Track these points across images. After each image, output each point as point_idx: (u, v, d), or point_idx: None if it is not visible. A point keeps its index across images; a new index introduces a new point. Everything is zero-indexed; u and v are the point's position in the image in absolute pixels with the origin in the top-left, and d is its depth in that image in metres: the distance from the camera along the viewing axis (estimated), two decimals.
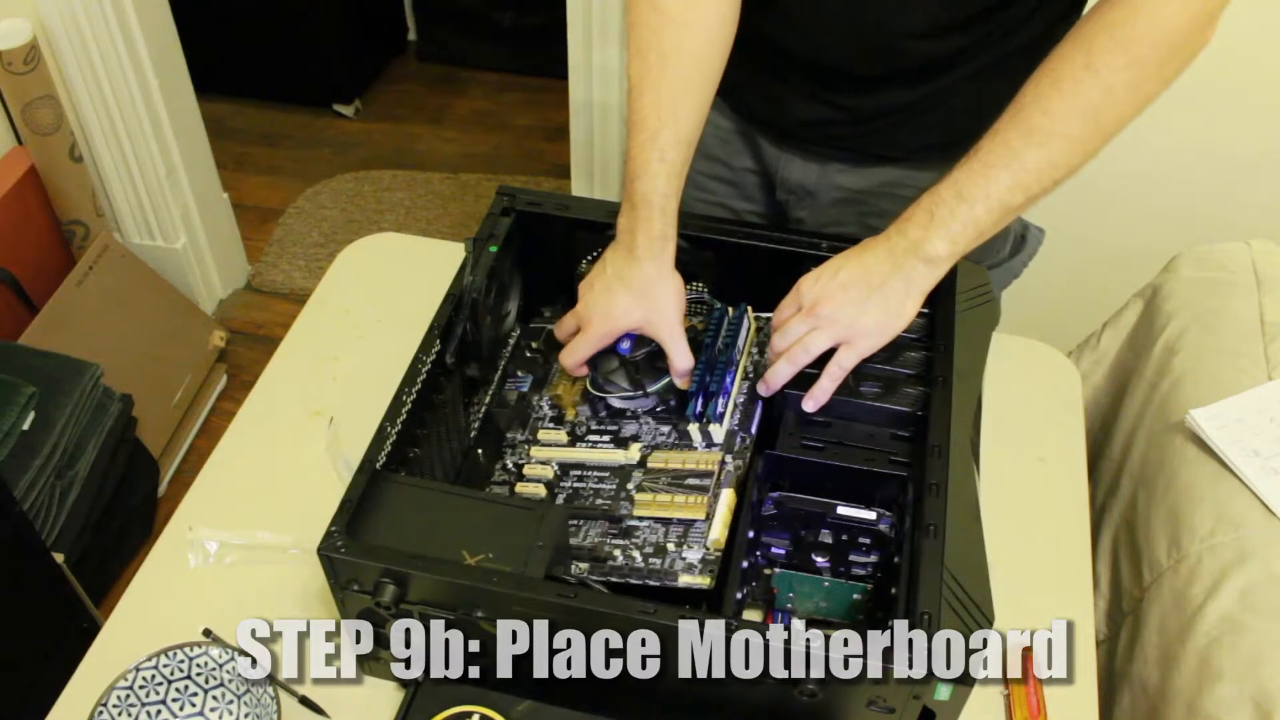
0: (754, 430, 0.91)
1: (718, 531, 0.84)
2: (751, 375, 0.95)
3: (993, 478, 0.92)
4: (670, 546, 0.85)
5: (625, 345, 0.94)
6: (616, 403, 0.96)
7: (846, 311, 0.87)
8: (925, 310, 0.93)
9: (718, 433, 0.91)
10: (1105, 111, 0.81)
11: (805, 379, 0.89)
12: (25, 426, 1.55)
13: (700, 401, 0.90)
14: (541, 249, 1.04)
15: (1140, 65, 0.79)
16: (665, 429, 0.94)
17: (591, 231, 1.01)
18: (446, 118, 2.90)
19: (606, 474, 0.92)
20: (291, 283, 2.39)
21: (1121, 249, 1.74)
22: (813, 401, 0.88)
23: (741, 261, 0.98)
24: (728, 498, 0.86)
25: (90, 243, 1.94)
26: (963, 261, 0.96)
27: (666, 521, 0.87)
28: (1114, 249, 1.76)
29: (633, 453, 0.93)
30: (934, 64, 0.95)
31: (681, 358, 0.92)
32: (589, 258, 1.03)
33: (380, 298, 1.19)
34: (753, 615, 0.90)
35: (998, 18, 0.91)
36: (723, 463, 0.89)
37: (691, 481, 0.88)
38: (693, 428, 0.91)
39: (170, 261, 2.17)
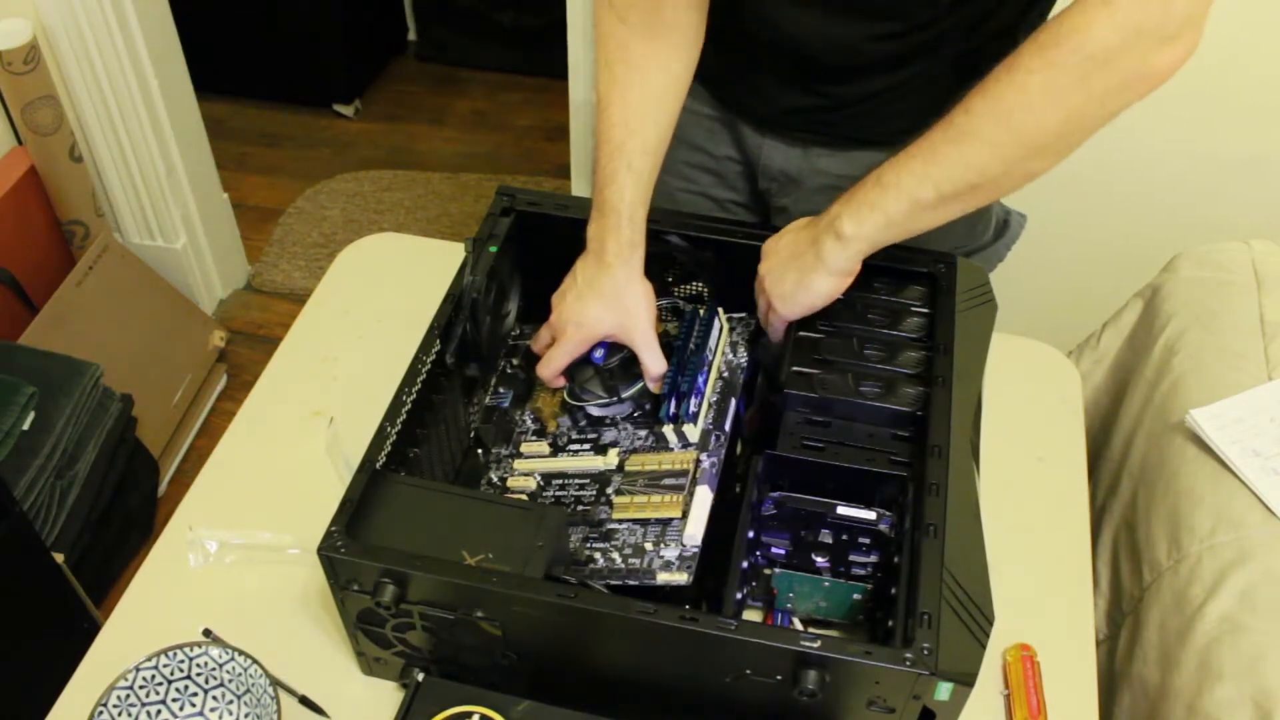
0: (728, 427, 0.92)
1: (694, 528, 0.84)
2: (725, 374, 0.96)
3: (993, 478, 0.92)
4: (648, 546, 0.86)
5: (599, 354, 0.96)
6: (594, 410, 0.97)
7: (773, 277, 0.92)
8: (925, 310, 0.94)
9: (692, 432, 0.91)
10: (1019, 114, 0.79)
11: (808, 380, 0.89)
12: (25, 426, 1.55)
13: (673, 403, 0.91)
14: (541, 249, 1.04)
15: (1055, 70, 0.77)
16: (642, 433, 0.95)
17: None
18: (446, 118, 2.90)
19: (586, 481, 0.93)
20: (291, 283, 2.39)
21: (1121, 249, 1.74)
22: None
23: (740, 261, 0.98)
24: (704, 495, 0.86)
25: (90, 243, 1.94)
26: (963, 261, 0.96)
27: (644, 522, 0.88)
28: (1114, 249, 1.76)
29: (611, 458, 0.93)
30: (912, 52, 0.95)
31: (654, 362, 0.94)
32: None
33: (380, 298, 1.19)
34: (753, 615, 0.90)
35: (966, 9, 0.91)
36: (698, 461, 0.90)
37: (668, 481, 0.89)
38: (667, 429, 0.92)
39: (170, 261, 2.17)
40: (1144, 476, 1.09)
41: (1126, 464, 1.14)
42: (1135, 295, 1.30)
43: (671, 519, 0.87)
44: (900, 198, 0.84)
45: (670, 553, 0.85)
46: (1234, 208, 1.67)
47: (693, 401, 0.91)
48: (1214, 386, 1.07)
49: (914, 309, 0.94)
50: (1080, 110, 0.78)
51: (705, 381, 0.94)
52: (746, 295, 0.98)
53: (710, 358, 0.95)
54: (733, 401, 0.94)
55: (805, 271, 0.89)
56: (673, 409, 0.91)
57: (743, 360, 0.97)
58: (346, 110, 2.87)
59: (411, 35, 3.10)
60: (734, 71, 1.04)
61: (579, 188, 2.04)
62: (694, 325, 0.97)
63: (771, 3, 0.95)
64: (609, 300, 0.93)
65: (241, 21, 2.69)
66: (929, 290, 0.95)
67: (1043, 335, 1.16)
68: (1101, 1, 0.75)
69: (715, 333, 0.97)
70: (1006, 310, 1.16)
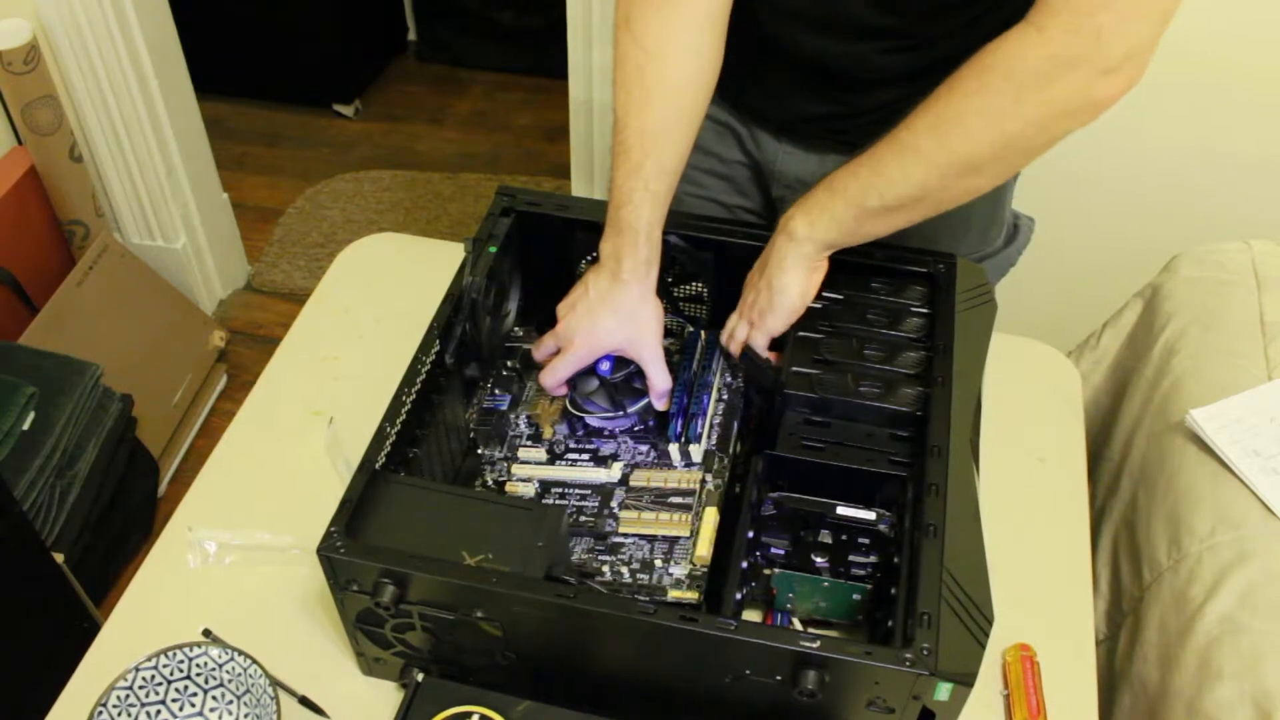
0: (731, 450, 0.94)
1: (703, 548, 0.86)
2: (725, 397, 0.98)
3: (993, 478, 0.92)
4: (657, 562, 0.88)
5: (605, 367, 0.97)
6: (595, 422, 0.98)
7: (749, 299, 0.95)
8: (925, 310, 0.94)
9: (696, 452, 0.93)
10: (955, 135, 0.80)
11: (808, 380, 0.89)
12: (25, 426, 1.55)
13: (680, 422, 0.94)
14: (541, 249, 1.04)
15: (990, 94, 0.78)
16: (644, 448, 0.97)
17: (591, 231, 1.01)
18: (446, 118, 2.90)
19: (588, 492, 0.94)
20: (291, 283, 2.39)
21: (1121, 249, 1.74)
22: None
23: (739, 262, 0.98)
24: (710, 516, 0.88)
25: (90, 243, 1.94)
26: (962, 261, 0.96)
27: (651, 538, 0.89)
28: (1114, 249, 1.76)
29: (614, 471, 0.94)
30: (928, 65, 0.96)
31: (661, 379, 0.95)
32: (589, 258, 1.03)
33: (380, 298, 1.19)
34: (753, 615, 0.90)
35: (980, 27, 0.91)
36: (703, 481, 0.92)
37: (674, 500, 0.91)
38: (673, 447, 0.94)
39: (170, 261, 2.17)
40: (1144, 476, 1.09)
41: (1126, 464, 1.14)
42: (1135, 295, 1.30)
43: (679, 537, 0.88)
44: (849, 203, 0.87)
45: (679, 570, 0.86)
46: (1234, 208, 1.67)
47: (698, 423, 0.94)
48: (1214, 386, 1.07)
49: (914, 309, 0.94)
50: (1017, 133, 0.80)
51: (709, 403, 0.96)
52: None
53: (712, 380, 0.98)
54: (734, 424, 0.96)
55: (774, 278, 0.92)
56: (679, 428, 0.93)
57: (740, 384, 0.99)
58: (346, 110, 2.87)
59: (411, 35, 3.10)
60: (750, 79, 1.04)
61: (579, 188, 2.04)
62: (697, 348, 0.99)
63: (788, 23, 0.96)
64: (622, 316, 0.94)
65: (241, 21, 2.69)
66: (929, 290, 0.95)
67: (1043, 335, 1.16)
68: (1035, 28, 0.76)
69: (717, 355, 1.00)
70: (1006, 310, 1.16)
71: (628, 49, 0.91)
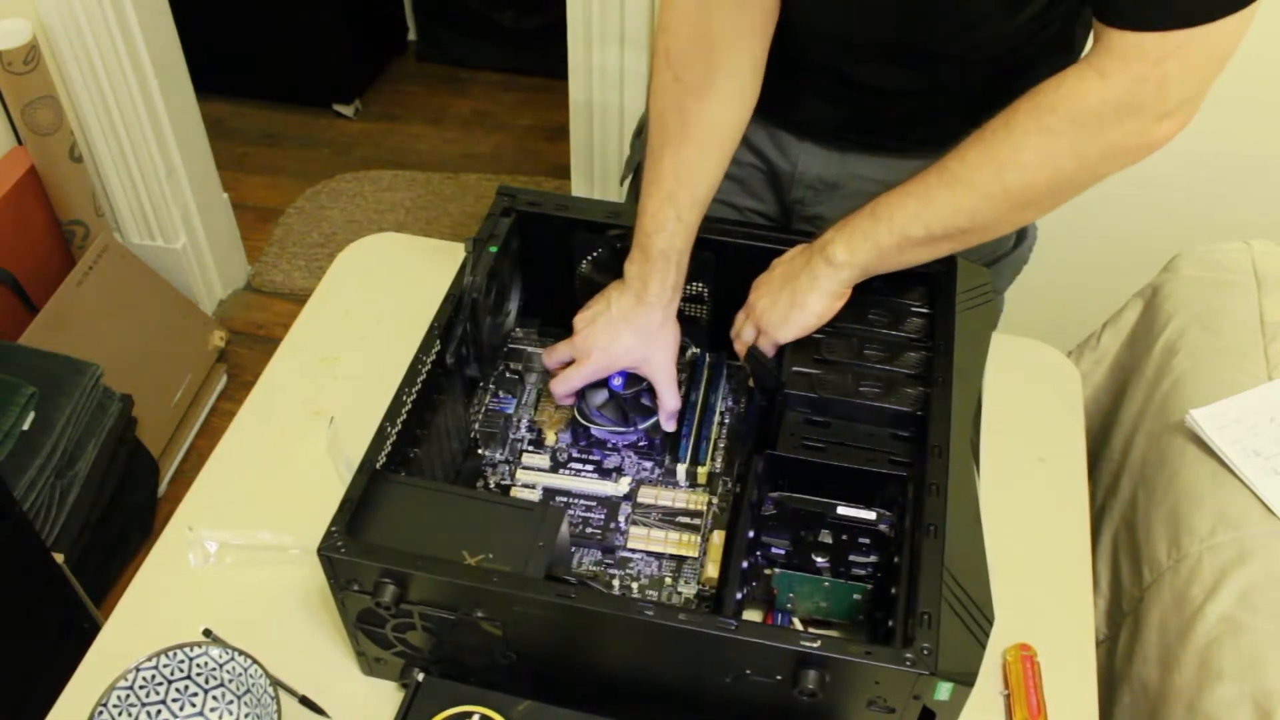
0: (735, 474, 0.96)
1: (712, 569, 0.88)
2: (728, 421, 1.00)
3: (993, 478, 0.92)
4: (666, 580, 0.89)
5: (617, 382, 0.98)
6: (600, 434, 0.99)
7: (763, 304, 0.94)
8: (925, 310, 0.94)
9: (702, 474, 0.96)
10: (1011, 172, 0.81)
11: (808, 380, 0.89)
12: (25, 426, 1.55)
13: (689, 443, 0.96)
14: (541, 249, 1.04)
15: (1049, 135, 0.79)
16: (647, 464, 0.98)
17: (591, 231, 1.01)
18: (446, 118, 2.90)
19: (594, 503, 0.95)
20: (291, 283, 2.39)
21: (1121, 249, 1.74)
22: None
23: (739, 263, 0.98)
24: (718, 538, 0.90)
25: (90, 243, 1.94)
26: (963, 261, 0.96)
27: (659, 556, 0.91)
28: (1114, 249, 1.76)
29: (622, 485, 0.96)
30: (947, 81, 0.96)
31: (672, 399, 0.97)
32: (589, 258, 1.03)
33: (380, 298, 1.19)
34: (753, 615, 0.90)
35: (999, 47, 0.91)
36: (710, 504, 0.94)
37: (682, 520, 0.93)
38: (680, 467, 0.95)
39: (170, 261, 2.17)
40: (1144, 476, 1.09)
41: (1126, 464, 1.14)
42: (1135, 295, 1.30)
43: (687, 557, 0.90)
44: (892, 231, 0.87)
45: (688, 590, 0.88)
46: (1234, 208, 1.67)
47: (705, 445, 0.96)
48: (1214, 386, 1.07)
49: (914, 309, 0.94)
50: (1072, 172, 0.81)
51: (714, 425, 0.99)
52: (745, 298, 0.98)
53: (716, 403, 1.00)
54: (738, 448, 0.97)
55: (798, 294, 0.91)
56: (688, 450, 0.95)
57: (742, 408, 1.01)
58: (346, 110, 2.87)
59: (411, 35, 3.10)
60: (773, 83, 1.04)
61: (579, 188, 2.04)
62: (704, 368, 1.02)
63: (819, 44, 0.96)
64: (642, 335, 0.95)
65: (241, 21, 2.69)
66: (929, 290, 0.95)
67: (1043, 335, 1.16)
68: (1097, 74, 0.76)
69: (722, 378, 1.02)
70: (1007, 310, 1.16)
71: (667, 81, 0.92)
